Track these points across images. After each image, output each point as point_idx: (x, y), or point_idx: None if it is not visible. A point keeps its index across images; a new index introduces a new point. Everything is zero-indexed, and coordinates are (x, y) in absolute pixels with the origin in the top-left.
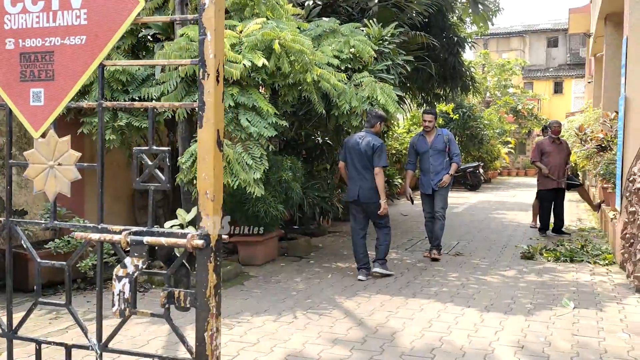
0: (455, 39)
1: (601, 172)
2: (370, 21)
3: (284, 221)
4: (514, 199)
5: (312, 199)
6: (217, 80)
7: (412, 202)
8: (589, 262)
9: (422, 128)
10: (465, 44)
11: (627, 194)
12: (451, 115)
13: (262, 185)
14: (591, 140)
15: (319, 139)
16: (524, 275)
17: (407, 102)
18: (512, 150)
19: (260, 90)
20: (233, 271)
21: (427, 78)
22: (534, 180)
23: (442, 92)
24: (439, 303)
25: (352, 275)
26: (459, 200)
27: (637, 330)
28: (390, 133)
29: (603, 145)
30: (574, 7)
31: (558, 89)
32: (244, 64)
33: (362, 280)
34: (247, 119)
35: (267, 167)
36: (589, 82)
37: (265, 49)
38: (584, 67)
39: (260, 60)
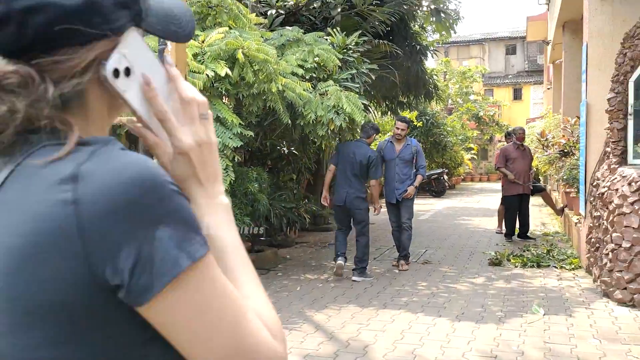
0: (418, 47)
1: (564, 177)
2: (334, 30)
3: (250, 233)
4: (478, 204)
5: (279, 210)
6: None
7: (378, 212)
8: (555, 267)
9: (390, 135)
10: (428, 52)
11: (591, 199)
12: (415, 123)
13: (228, 197)
14: (553, 145)
15: (284, 149)
16: (493, 282)
17: (371, 111)
18: (475, 157)
19: (224, 101)
20: None
21: (391, 86)
22: (497, 186)
23: (406, 100)
24: (410, 313)
25: (322, 287)
26: (424, 207)
27: (607, 335)
28: None
29: (565, 150)
30: (532, 15)
31: (517, 95)
32: (206, 74)
33: (341, 264)
34: None
35: (233, 179)
36: (548, 89)
37: (229, 58)
38: (542, 74)
39: (224, 70)
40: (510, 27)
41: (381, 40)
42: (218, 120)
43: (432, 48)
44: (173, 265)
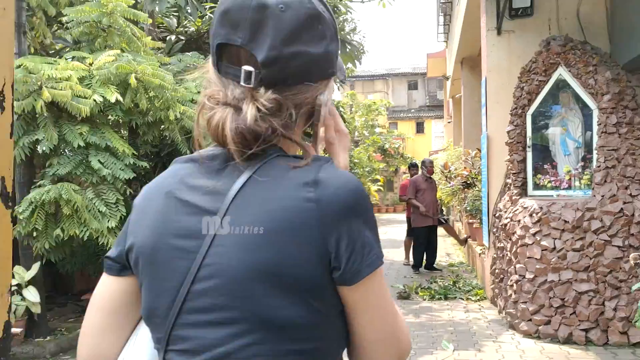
0: None
1: (467, 208)
2: None
3: None
4: (385, 235)
5: None
6: (2, 107)
7: None
8: (462, 298)
9: None
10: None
11: (494, 230)
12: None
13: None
14: (456, 177)
15: None
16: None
17: None
18: (381, 188)
19: (117, 129)
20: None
21: None
22: (403, 216)
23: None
24: None
25: None
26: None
27: None
28: None
29: (468, 182)
30: (432, 52)
31: (420, 128)
32: (94, 99)
33: None
34: (99, 160)
35: (124, 214)
36: (449, 122)
37: (121, 83)
38: (442, 109)
39: (114, 96)
40: (412, 63)
41: None
42: (108, 149)
43: (338, 80)
44: (377, 259)
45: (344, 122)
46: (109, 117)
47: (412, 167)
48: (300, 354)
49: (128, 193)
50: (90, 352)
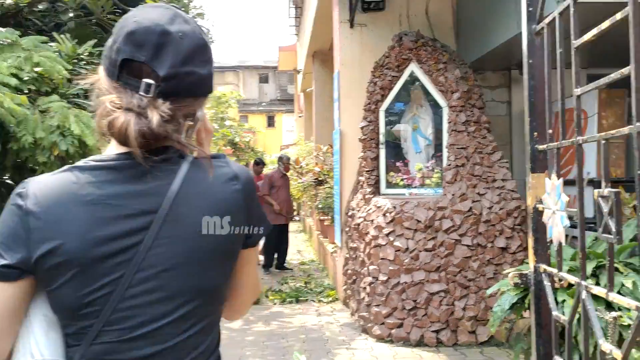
0: None
1: (319, 205)
2: (62, 36)
3: None
4: None
5: None
6: None
7: None
8: (314, 300)
9: None
10: None
11: (347, 229)
12: None
13: None
14: (307, 173)
15: None
16: (252, 326)
17: None
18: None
19: None
20: None
21: None
22: None
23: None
24: None
25: None
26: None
27: None
28: None
29: (320, 178)
30: (283, 45)
31: (271, 122)
32: None
33: None
34: None
35: None
36: (300, 117)
37: None
38: (293, 103)
39: None
40: (264, 56)
41: None
42: None
43: None
44: (265, 229)
45: None
46: None
47: (257, 164)
48: (218, 309)
49: None
50: None
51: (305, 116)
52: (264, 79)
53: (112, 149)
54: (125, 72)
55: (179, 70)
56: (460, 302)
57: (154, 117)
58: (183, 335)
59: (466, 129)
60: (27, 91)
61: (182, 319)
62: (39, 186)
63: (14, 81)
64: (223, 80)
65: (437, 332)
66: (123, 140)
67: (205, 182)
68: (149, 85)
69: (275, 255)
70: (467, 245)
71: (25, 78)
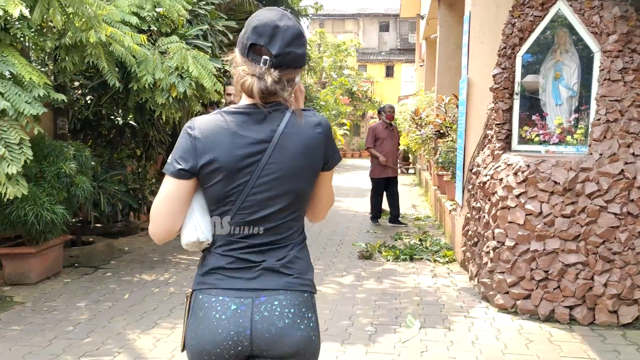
0: (289, 10)
1: (439, 159)
2: None
3: (80, 221)
4: (349, 183)
5: (114, 193)
6: None
7: None
8: (429, 260)
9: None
10: (300, 17)
11: (470, 187)
12: None
13: (25, 182)
14: (427, 125)
15: (118, 119)
16: (363, 282)
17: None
18: (347, 132)
19: (26, 51)
20: None
21: None
22: (368, 162)
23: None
24: None
25: (157, 294)
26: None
27: (491, 357)
28: None
29: (441, 131)
30: None
31: (389, 72)
32: None
33: None
34: None
35: (30, 158)
36: (421, 66)
37: None
38: (413, 53)
39: (17, 9)
40: (384, 3)
41: None
42: (10, 77)
43: (304, 14)
44: (338, 158)
45: (311, 61)
46: (16, 36)
47: (380, 112)
48: (304, 206)
49: (38, 132)
50: (169, 229)
51: (426, 65)
52: (384, 27)
53: (244, 101)
54: (252, 52)
55: (284, 51)
56: (601, 277)
57: (269, 80)
58: (284, 220)
59: (622, 78)
60: (147, 30)
61: (283, 209)
62: (201, 121)
63: (134, 19)
64: (343, 29)
65: (570, 308)
66: (250, 94)
67: (299, 125)
68: (265, 60)
69: (388, 210)
70: (615, 214)
71: (146, 16)
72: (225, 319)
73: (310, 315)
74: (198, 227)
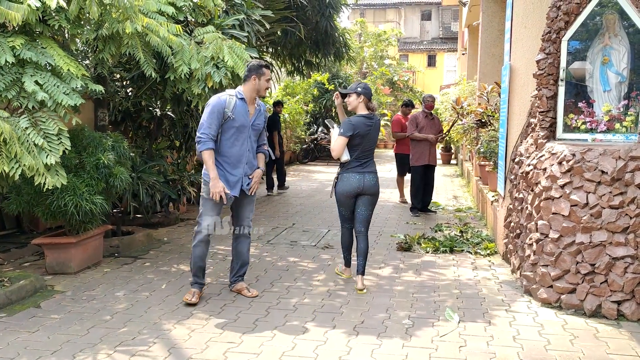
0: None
1: (481, 149)
2: None
3: (120, 212)
4: (389, 174)
5: (153, 184)
6: None
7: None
8: (469, 252)
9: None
10: (339, 7)
11: (512, 177)
12: (327, 86)
13: (64, 172)
14: (468, 114)
15: (156, 110)
16: (401, 274)
17: (275, 70)
18: (388, 123)
19: (67, 44)
20: (29, 286)
21: (297, 43)
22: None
23: (314, 59)
24: (298, 323)
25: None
26: (331, 175)
27: (533, 354)
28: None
29: (482, 120)
30: None
31: (431, 62)
32: (29, 5)
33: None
34: (36, 81)
35: (68, 148)
36: (463, 54)
37: None
38: (456, 42)
39: (54, 1)
40: None
41: None
42: (49, 68)
43: (343, 3)
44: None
45: (351, 51)
46: (54, 27)
47: (406, 105)
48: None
49: (75, 122)
50: (339, 154)
51: (469, 53)
52: (426, 16)
53: (362, 111)
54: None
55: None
56: None
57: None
58: (371, 153)
59: None
60: (182, 21)
61: (372, 150)
62: (353, 119)
63: (170, 9)
64: (384, 18)
65: (618, 303)
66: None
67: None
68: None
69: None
70: None
71: (182, 6)
72: (354, 181)
73: (378, 179)
74: (346, 154)
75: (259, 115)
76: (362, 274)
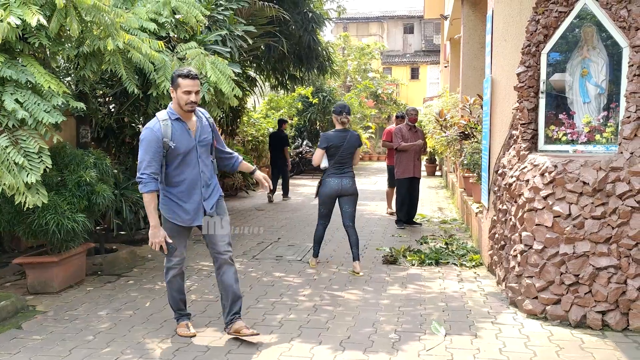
0: (310, 14)
1: (465, 162)
2: None
3: (103, 229)
4: (375, 186)
5: (137, 201)
6: None
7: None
8: (455, 264)
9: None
10: (322, 22)
11: (496, 189)
12: (311, 100)
13: (45, 191)
14: (452, 126)
15: (139, 126)
16: (387, 288)
17: (258, 84)
18: (373, 135)
19: (47, 61)
20: (10, 307)
21: (281, 57)
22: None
23: (298, 73)
24: (283, 339)
25: None
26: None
27: None
28: (245, 118)
29: (466, 132)
30: None
31: (415, 74)
32: (8, 23)
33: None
34: (17, 99)
35: (49, 166)
36: (445, 67)
37: (46, 3)
38: (438, 54)
39: (34, 18)
40: (409, 5)
41: (267, 3)
42: (29, 86)
43: (326, 17)
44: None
45: (335, 64)
46: (34, 45)
47: (398, 117)
48: (352, 159)
49: (56, 140)
50: (319, 163)
51: (451, 66)
52: (408, 30)
53: (338, 126)
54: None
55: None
56: (634, 280)
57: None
58: (348, 161)
59: None
60: (165, 37)
61: (349, 159)
62: (329, 133)
63: (152, 26)
64: (367, 32)
65: (603, 313)
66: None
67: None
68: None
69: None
70: None
71: (164, 22)
72: (334, 184)
73: (355, 181)
74: (325, 162)
75: (204, 128)
76: (358, 260)
